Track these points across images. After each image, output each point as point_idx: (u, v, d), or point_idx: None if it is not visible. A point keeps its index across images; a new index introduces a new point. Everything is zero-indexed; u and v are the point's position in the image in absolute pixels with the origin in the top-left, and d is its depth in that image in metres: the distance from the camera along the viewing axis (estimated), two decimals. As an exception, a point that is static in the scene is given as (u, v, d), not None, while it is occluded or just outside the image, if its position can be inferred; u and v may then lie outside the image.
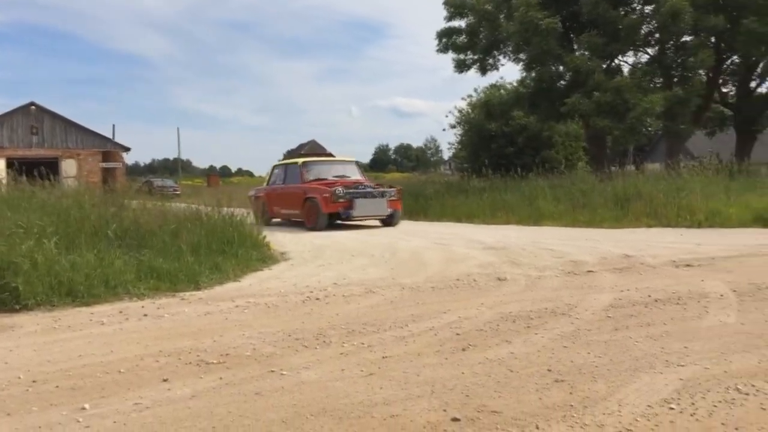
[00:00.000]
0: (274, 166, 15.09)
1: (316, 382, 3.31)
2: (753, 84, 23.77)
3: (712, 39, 20.31)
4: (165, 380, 3.40)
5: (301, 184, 13.20)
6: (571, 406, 2.91)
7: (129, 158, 41.88)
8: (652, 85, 19.97)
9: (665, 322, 4.45)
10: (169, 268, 6.33)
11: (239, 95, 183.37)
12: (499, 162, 22.31)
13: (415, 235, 11.00)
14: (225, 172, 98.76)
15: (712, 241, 9.27)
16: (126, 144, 36.40)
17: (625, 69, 21.57)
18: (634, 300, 5.23)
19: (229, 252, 7.38)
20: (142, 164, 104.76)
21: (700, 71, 20.58)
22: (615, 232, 11.13)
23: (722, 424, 2.68)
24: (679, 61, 19.80)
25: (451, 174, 35.72)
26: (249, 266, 7.22)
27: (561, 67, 20.37)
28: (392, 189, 13.39)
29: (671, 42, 20.11)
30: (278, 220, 14.48)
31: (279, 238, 9.65)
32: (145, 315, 5.01)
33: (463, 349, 3.86)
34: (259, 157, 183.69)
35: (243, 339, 4.19)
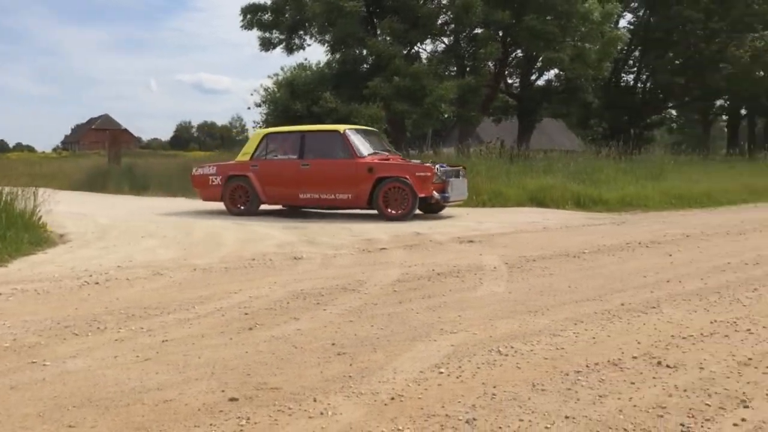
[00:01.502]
0: (267, 134, 11.29)
1: (84, 371, 3.06)
2: (533, 77, 26.29)
3: (500, 33, 22.07)
4: None
5: (355, 159, 10.19)
6: (350, 377, 2.99)
7: None
8: (446, 73, 21.25)
9: (444, 294, 4.76)
10: None
11: (20, 63, 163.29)
12: (305, 143, 22.37)
13: (214, 215, 10.66)
14: (2, 147, 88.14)
15: (493, 219, 10.12)
16: None
17: (424, 56, 22.73)
18: (419, 274, 5.53)
19: (-6, 234, 6.58)
20: None
21: (489, 62, 22.29)
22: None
23: (482, 383, 2.92)
24: (470, 51, 21.25)
25: (257, 154, 35.10)
26: (19, 250, 6.48)
27: (364, 51, 20.91)
28: (460, 167, 11.23)
29: (464, 33, 21.52)
30: (277, 207, 11.35)
31: (59, 220, 8.80)
32: None
33: (250, 329, 3.81)
34: (43, 131, 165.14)
35: (3, 329, 3.76)
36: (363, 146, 10.51)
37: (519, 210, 11.81)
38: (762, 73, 25.96)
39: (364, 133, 11.22)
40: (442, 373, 3.05)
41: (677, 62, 28.27)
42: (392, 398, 2.74)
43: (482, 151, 16.86)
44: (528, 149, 20.97)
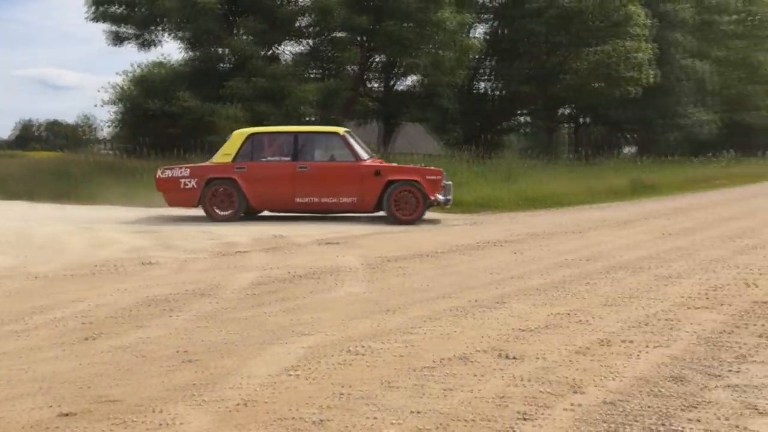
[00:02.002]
0: (252, 135, 10.50)
1: None
2: (394, 82, 26.89)
3: (359, 38, 22.35)
4: None
5: (360, 162, 9.98)
6: (196, 384, 2.88)
7: None
8: (308, 76, 21.19)
9: (301, 296, 4.72)
10: None
11: None
12: (160, 143, 21.39)
13: (60, 219, 9.90)
14: None
15: (355, 221, 10.20)
16: None
17: (286, 58, 22.53)
18: (276, 277, 5.45)
19: None
20: None
21: (350, 66, 22.53)
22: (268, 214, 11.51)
23: (334, 384, 2.92)
24: (330, 55, 21.35)
25: (110, 154, 33.20)
26: None
27: (222, 50, 20.38)
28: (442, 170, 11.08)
29: (324, 36, 21.58)
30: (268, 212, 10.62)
31: None
32: None
33: (89, 339, 3.56)
34: None
35: None
36: (362, 149, 10.37)
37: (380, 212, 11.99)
38: (597, 84, 28.24)
39: (354, 136, 10.98)
40: (293, 375, 3.02)
41: (525, 72, 30.08)
42: (240, 404, 2.67)
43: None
44: (390, 152, 21.41)
